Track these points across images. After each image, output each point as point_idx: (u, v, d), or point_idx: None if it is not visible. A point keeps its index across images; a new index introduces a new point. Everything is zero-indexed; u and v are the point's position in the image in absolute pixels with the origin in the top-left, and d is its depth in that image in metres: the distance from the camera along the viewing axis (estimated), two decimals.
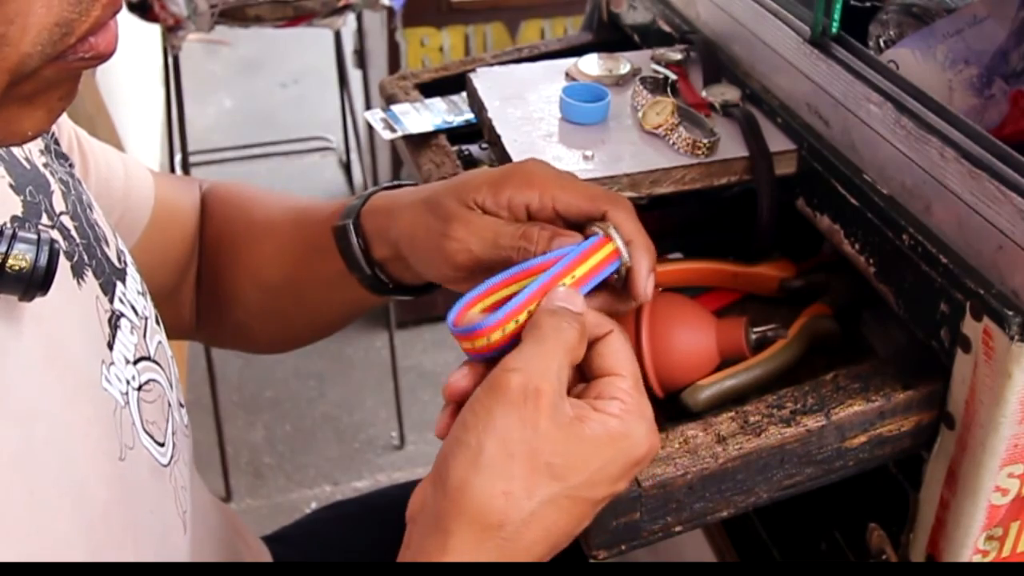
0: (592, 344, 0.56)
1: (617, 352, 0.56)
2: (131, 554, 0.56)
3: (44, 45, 0.42)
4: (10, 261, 0.48)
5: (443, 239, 0.63)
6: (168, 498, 0.62)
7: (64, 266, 0.57)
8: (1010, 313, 0.56)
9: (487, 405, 0.51)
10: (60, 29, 0.43)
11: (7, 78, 0.42)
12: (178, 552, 0.63)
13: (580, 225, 0.62)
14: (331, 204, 0.76)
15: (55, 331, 0.54)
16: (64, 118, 0.70)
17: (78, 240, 0.61)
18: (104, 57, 0.45)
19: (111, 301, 0.61)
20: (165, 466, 0.62)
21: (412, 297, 0.76)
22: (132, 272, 0.67)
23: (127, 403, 0.58)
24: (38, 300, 0.51)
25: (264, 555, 0.87)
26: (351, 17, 1.90)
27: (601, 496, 0.53)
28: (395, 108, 0.92)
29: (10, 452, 0.48)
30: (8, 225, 0.49)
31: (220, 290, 0.82)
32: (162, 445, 0.62)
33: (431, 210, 0.65)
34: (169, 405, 0.65)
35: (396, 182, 0.75)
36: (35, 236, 0.49)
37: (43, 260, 0.49)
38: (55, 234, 0.57)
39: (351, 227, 0.72)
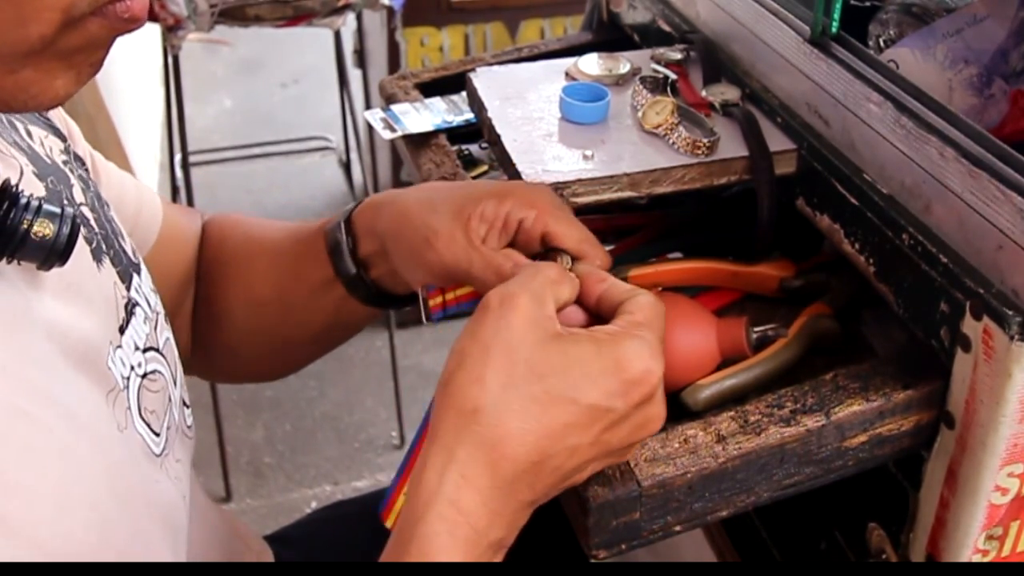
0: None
1: (637, 302, 0.57)
2: (144, 515, 0.57)
3: None
4: (35, 228, 0.51)
5: (425, 246, 0.68)
6: (166, 481, 0.63)
7: (84, 248, 0.60)
8: (1010, 312, 0.56)
9: (472, 319, 0.55)
10: None
11: (60, 17, 0.46)
12: (181, 530, 0.64)
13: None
14: (327, 217, 0.79)
15: (72, 305, 0.57)
16: (80, 138, 0.73)
17: (97, 230, 0.63)
18: (138, 20, 0.50)
19: (128, 289, 0.64)
20: (157, 456, 0.62)
21: (392, 308, 0.80)
22: (145, 270, 0.69)
23: (126, 387, 0.60)
24: (59, 275, 0.54)
25: (266, 556, 0.87)
26: (351, 17, 1.90)
27: (591, 403, 0.53)
28: (395, 108, 0.92)
29: (40, 388, 0.51)
30: (34, 196, 0.52)
31: (212, 310, 0.84)
32: (157, 435, 0.63)
33: (423, 212, 0.69)
34: (170, 400, 0.66)
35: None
36: (59, 209, 0.52)
37: (65, 230, 0.52)
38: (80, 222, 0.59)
39: (341, 225, 0.76)
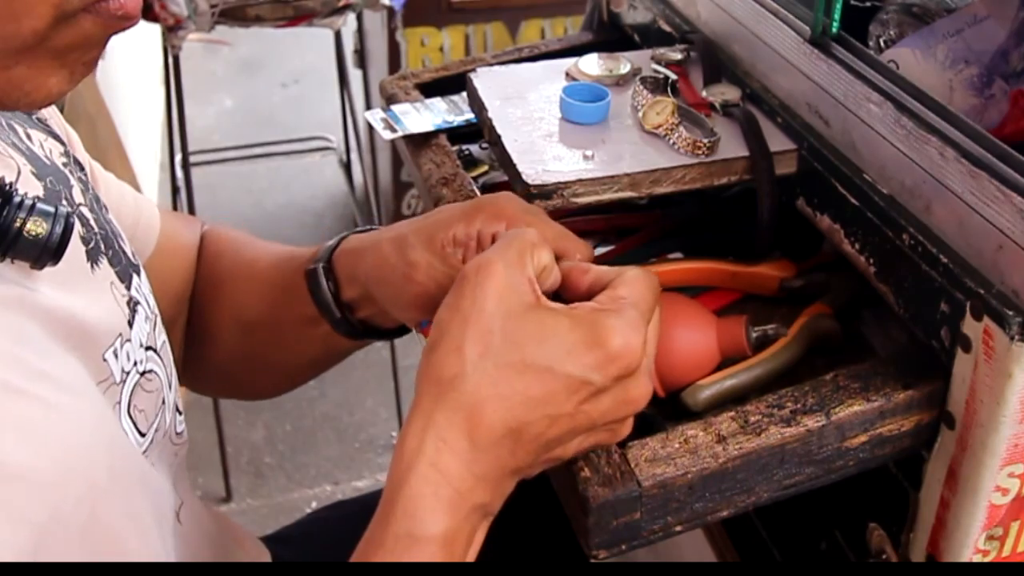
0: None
1: (623, 278, 0.57)
2: (140, 503, 0.58)
3: None
4: (28, 226, 0.51)
5: (406, 283, 0.68)
6: (153, 476, 0.63)
7: (80, 249, 0.60)
8: (1010, 313, 0.56)
9: (452, 291, 0.56)
10: None
11: (52, 11, 0.47)
12: (172, 523, 0.64)
13: None
14: (311, 249, 0.78)
15: (68, 298, 0.57)
16: (79, 146, 0.73)
17: (96, 229, 0.63)
18: (132, 19, 0.50)
19: (128, 289, 0.64)
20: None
21: (384, 340, 0.79)
22: (144, 273, 0.69)
23: (123, 381, 0.60)
24: (54, 273, 0.54)
25: (263, 559, 0.87)
26: (351, 17, 1.90)
27: (567, 373, 0.53)
28: (395, 108, 0.92)
29: (35, 368, 0.51)
30: (29, 195, 0.52)
31: (204, 327, 0.84)
32: (143, 435, 0.62)
33: (398, 250, 0.69)
34: (163, 403, 0.66)
35: (368, 227, 0.78)
36: (52, 208, 0.52)
37: (58, 229, 0.52)
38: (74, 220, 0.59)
39: (321, 270, 0.75)
